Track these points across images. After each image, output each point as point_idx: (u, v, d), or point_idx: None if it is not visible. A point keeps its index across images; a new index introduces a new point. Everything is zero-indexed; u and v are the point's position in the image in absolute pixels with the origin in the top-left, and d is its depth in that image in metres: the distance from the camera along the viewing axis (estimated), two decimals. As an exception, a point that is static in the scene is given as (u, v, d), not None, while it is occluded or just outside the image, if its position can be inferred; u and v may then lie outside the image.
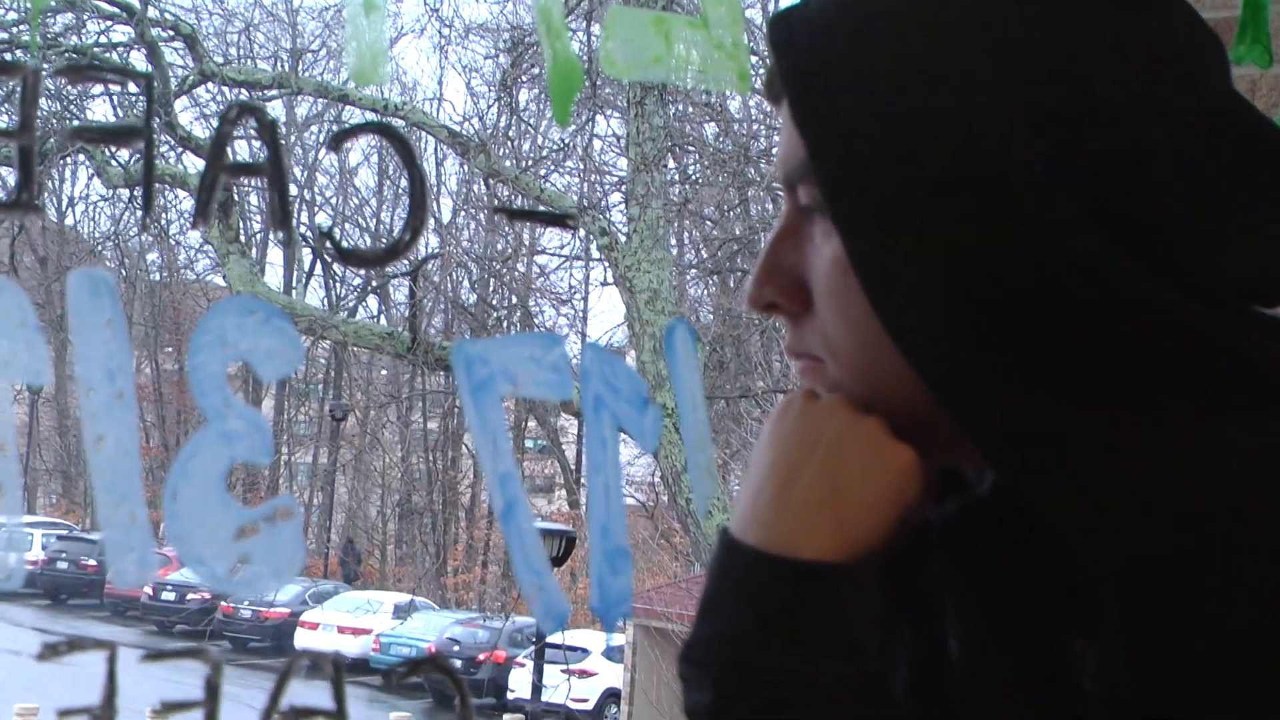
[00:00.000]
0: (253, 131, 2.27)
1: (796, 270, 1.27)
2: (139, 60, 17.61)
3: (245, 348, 2.05)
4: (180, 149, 17.86)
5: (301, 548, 2.06)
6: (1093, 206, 1.13)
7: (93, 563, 35.81)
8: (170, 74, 16.89)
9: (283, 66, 30.66)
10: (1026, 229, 1.14)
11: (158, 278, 47.14)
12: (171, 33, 17.49)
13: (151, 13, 17.46)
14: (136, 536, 2.17)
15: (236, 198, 17.11)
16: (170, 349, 46.51)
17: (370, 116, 16.28)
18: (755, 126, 29.10)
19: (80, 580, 36.76)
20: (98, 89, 19.91)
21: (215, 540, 2.05)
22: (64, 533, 39.50)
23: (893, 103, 1.18)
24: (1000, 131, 1.14)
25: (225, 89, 18.65)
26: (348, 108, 21.12)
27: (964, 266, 1.15)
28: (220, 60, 21.06)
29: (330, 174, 47.16)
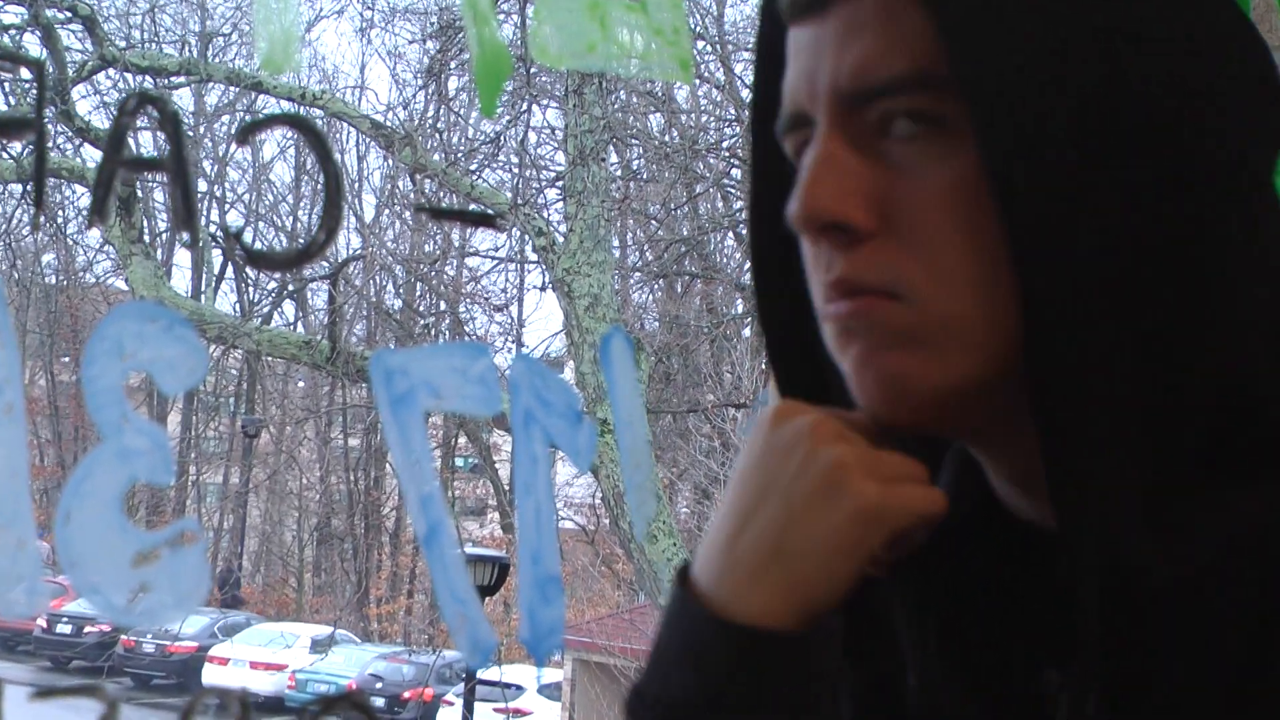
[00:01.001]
0: (155, 122, 2.27)
1: (872, 187, 1.14)
2: (33, 44, 17.47)
3: (146, 358, 2.05)
4: (78, 141, 17.74)
5: (207, 575, 2.06)
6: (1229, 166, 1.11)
7: (-20, 590, 35.65)
8: (67, 59, 16.78)
9: (191, 51, 30.44)
10: (1197, 171, 1.10)
11: (53, 281, 46.81)
12: (69, 14, 17.35)
13: (47, -8, 17.39)
14: (25, 564, 2.16)
15: (140, 194, 17.02)
16: (67, 358, 46.17)
17: (286, 106, 16.26)
18: (704, 118, 29.18)
19: (-33, 610, 36.68)
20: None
21: (112, 567, 2.05)
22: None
23: (1044, 16, 1.12)
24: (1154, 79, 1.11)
25: (128, 76, 18.52)
26: (261, 97, 21.11)
27: (1116, 212, 1.09)
28: (122, 44, 20.93)
29: (242, 169, 46.98)
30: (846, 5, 1.15)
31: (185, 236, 1.99)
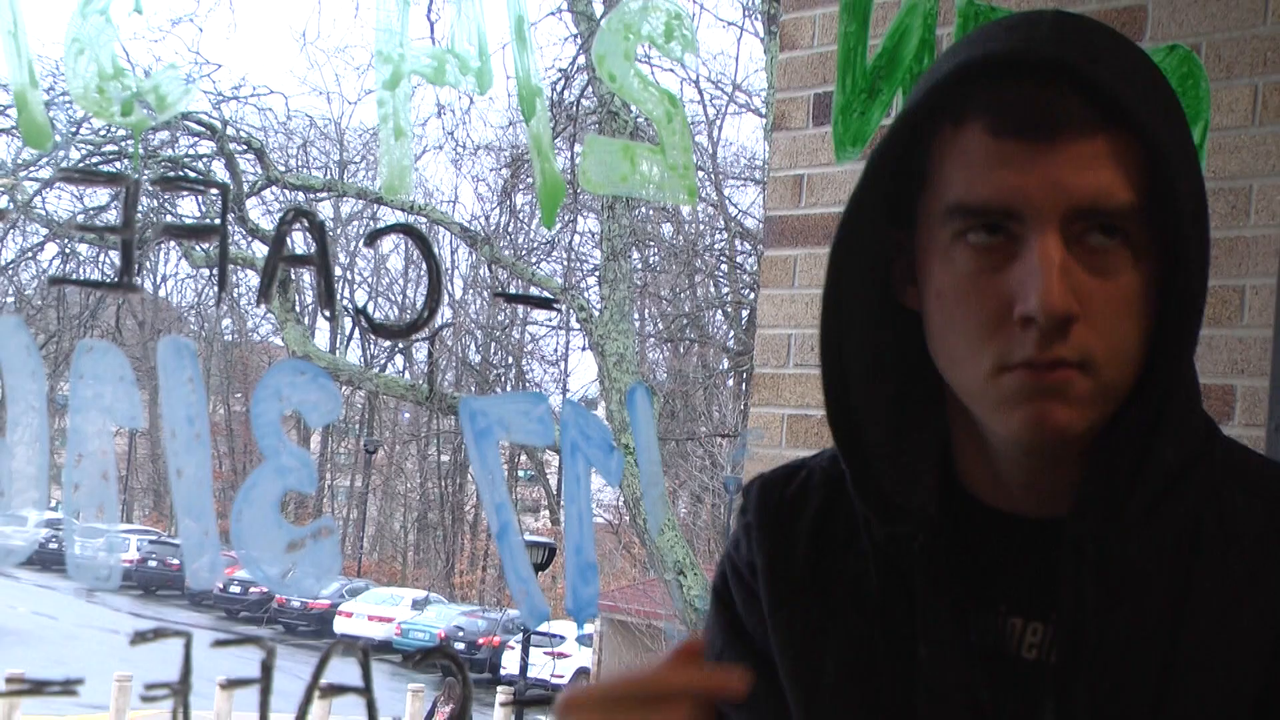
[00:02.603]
0: (306, 228, 2.27)
1: (1078, 284, 1.08)
2: (219, 168, 17.54)
3: (297, 400, 2.05)
4: (250, 238, 17.80)
5: (338, 558, 2.06)
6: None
7: (176, 562, 35.49)
8: (243, 179, 16.84)
9: (332, 174, 30.56)
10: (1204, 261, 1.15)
11: (230, 339, 46.95)
12: (244, 147, 17.45)
13: (229, 131, 17.44)
14: (209, 546, 2.16)
15: (294, 278, 17.06)
16: (239, 394, 46.24)
17: (400, 215, 16.28)
18: (701, 227, 29.20)
19: (166, 575, 36.44)
20: (187, 190, 19.91)
21: (271, 551, 2.04)
22: (154, 538, 39.22)
23: (1192, 158, 1.14)
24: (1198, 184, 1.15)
25: (286, 191, 18.59)
26: (382, 207, 21.10)
27: (1203, 293, 1.14)
28: (282, 169, 20.98)
29: (367, 259, 47.03)
30: (1079, 139, 1.08)
31: (326, 311, 1.96)
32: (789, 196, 3.48)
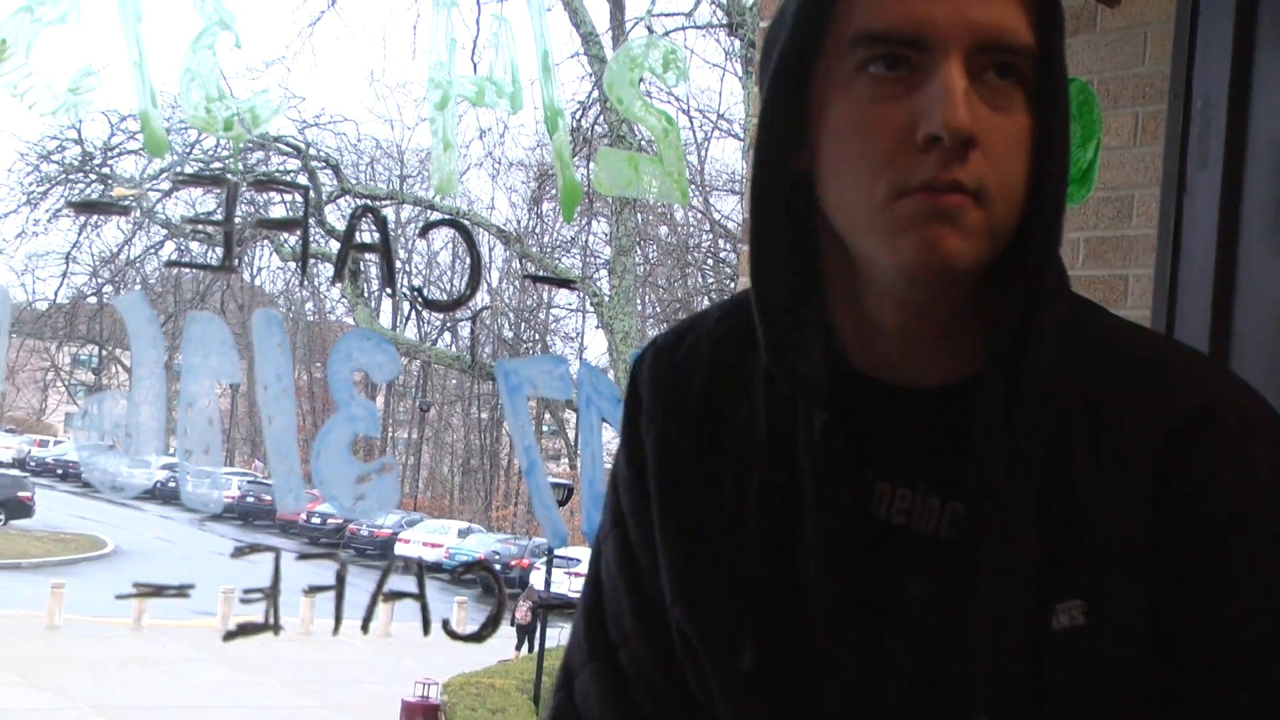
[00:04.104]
0: (372, 224, 2.26)
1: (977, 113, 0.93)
2: (303, 180, 17.56)
3: (364, 362, 2.05)
4: (327, 237, 17.80)
5: (397, 490, 2.05)
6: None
7: (268, 498, 35.62)
8: (322, 189, 16.85)
9: (393, 186, 30.53)
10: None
11: (311, 319, 46.97)
12: (323, 163, 17.47)
13: (311, 151, 17.48)
14: (294, 482, 2.16)
15: (362, 268, 17.03)
16: (319, 364, 46.34)
17: (447, 216, 16.35)
18: (691, 229, 29.15)
19: (260, 509, 36.51)
20: (276, 197, 19.90)
21: (343, 484, 2.04)
22: (251, 478, 39.36)
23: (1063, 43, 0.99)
24: None
25: (356, 199, 18.61)
26: (434, 212, 21.09)
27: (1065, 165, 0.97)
28: (353, 181, 20.97)
29: (422, 255, 47.04)
30: None
31: (388, 289, 1.94)
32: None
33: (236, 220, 1.93)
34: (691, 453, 1.09)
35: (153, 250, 22.22)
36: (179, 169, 16.46)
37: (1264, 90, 2.46)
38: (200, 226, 13.85)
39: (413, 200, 20.66)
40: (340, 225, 18.30)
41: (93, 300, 27.31)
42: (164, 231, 19.82)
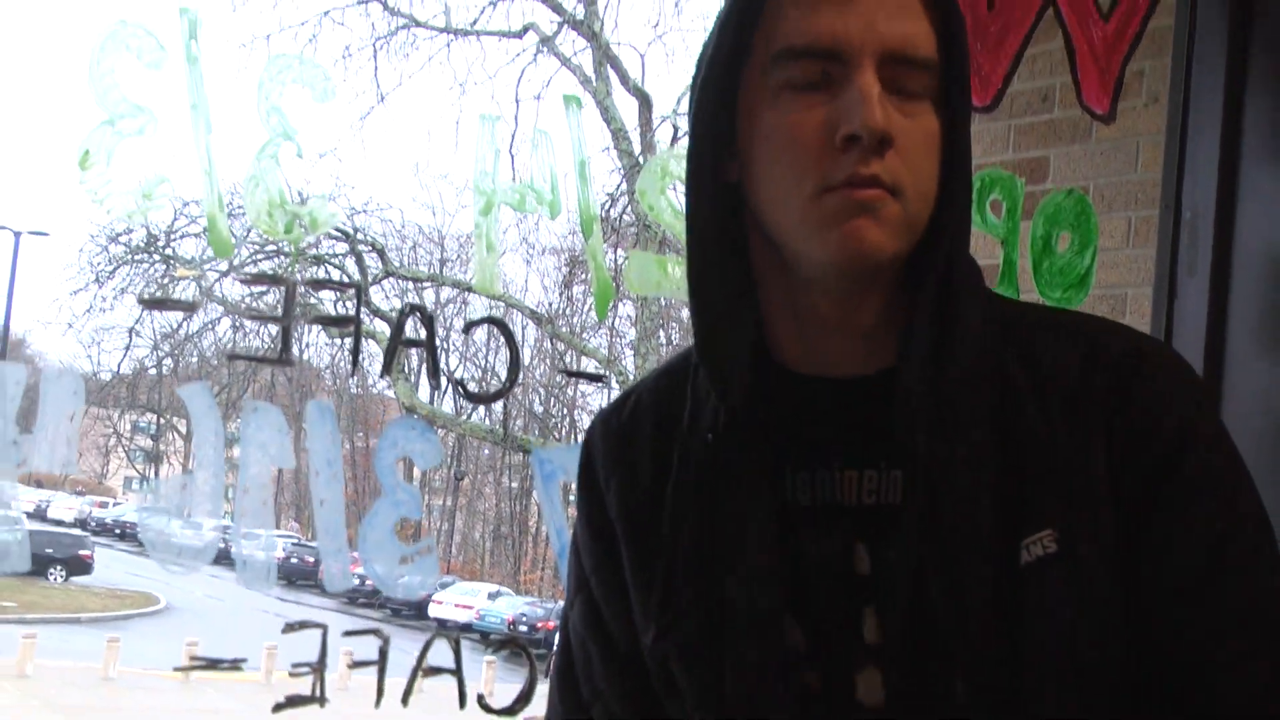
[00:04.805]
0: (418, 319, 2.29)
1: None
2: (350, 264, 17.74)
3: (409, 449, 2.06)
4: (372, 317, 17.99)
5: (437, 568, 2.06)
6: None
7: (311, 559, 35.57)
8: (368, 271, 17.04)
9: (434, 269, 30.83)
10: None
11: (355, 392, 47.32)
12: (369, 247, 17.69)
13: (359, 235, 17.72)
14: (342, 557, 2.17)
15: (408, 354, 17.23)
16: (361, 433, 46.60)
17: (485, 301, 16.47)
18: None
19: (305, 569, 36.51)
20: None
21: (388, 565, 2.05)
22: (296, 540, 39.44)
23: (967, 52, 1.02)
24: None
25: (399, 280, 18.79)
26: (472, 295, 21.25)
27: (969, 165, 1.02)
28: (397, 264, 21.18)
29: (463, 338, 47.44)
30: None
31: (433, 381, 1.97)
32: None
33: (295, 312, 1.97)
34: (650, 488, 1.08)
35: (209, 326, 22.46)
36: (236, 252, 16.70)
37: (1249, 203, 2.47)
38: (254, 306, 14.02)
39: (452, 283, 20.84)
40: (384, 305, 18.48)
41: (153, 372, 27.56)
42: (220, 309, 20.06)
